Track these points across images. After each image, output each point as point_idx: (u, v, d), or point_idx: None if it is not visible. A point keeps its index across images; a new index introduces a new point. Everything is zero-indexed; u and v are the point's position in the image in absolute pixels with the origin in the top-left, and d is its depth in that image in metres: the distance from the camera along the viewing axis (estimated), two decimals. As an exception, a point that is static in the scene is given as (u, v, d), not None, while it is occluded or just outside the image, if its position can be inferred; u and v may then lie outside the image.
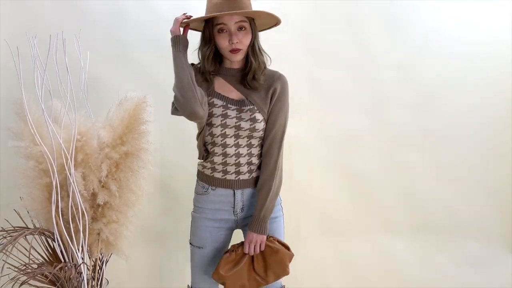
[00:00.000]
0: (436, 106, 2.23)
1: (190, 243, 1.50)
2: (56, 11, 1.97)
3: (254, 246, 1.40)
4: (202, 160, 1.48)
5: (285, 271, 1.45)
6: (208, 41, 1.37)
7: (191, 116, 1.33)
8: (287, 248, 1.46)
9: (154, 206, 2.11)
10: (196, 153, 2.03)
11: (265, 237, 1.42)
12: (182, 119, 1.96)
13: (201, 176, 1.50)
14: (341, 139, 2.20)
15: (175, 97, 1.34)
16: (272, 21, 1.40)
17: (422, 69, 2.20)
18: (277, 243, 1.44)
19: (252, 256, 1.43)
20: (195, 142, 2.07)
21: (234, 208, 1.45)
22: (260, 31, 1.43)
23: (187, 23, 1.37)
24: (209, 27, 1.36)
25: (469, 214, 2.26)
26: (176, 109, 1.36)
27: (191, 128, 2.05)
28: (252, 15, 1.35)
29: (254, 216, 1.42)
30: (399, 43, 2.19)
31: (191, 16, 1.36)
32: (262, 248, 1.41)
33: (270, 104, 1.41)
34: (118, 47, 2.04)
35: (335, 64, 2.17)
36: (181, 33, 1.35)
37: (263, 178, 1.43)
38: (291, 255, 1.46)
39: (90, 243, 1.57)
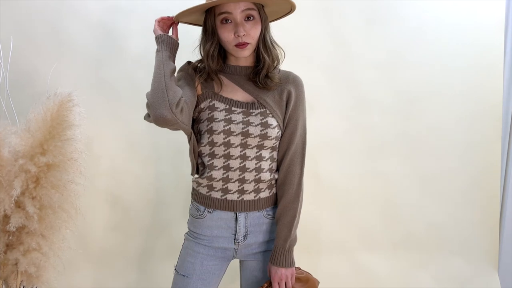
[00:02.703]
0: (419, 110, 2.04)
1: (175, 269, 1.30)
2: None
3: (285, 283, 1.23)
4: (197, 176, 1.28)
5: None
6: (210, 34, 1.19)
7: (157, 120, 1.13)
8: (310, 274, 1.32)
9: (100, 221, 1.86)
10: (150, 159, 1.90)
11: (294, 269, 1.25)
12: (133, 122, 1.81)
13: (195, 195, 1.29)
14: (314, 146, 1.98)
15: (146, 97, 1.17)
16: (285, 8, 1.23)
17: (404, 70, 2.01)
18: (302, 270, 1.29)
19: None
20: (150, 148, 1.91)
21: (235, 235, 1.24)
22: (271, 21, 1.25)
23: (174, 21, 1.23)
24: (211, 18, 1.17)
25: (453, 229, 2.09)
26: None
27: (143, 131, 1.88)
28: (261, 1, 1.17)
29: (278, 248, 1.23)
30: (380, 42, 1.99)
31: (172, 17, 1.22)
32: (293, 282, 1.25)
33: (286, 110, 1.24)
34: (57, 36, 1.73)
35: (310, 64, 1.96)
36: (169, 33, 1.23)
37: (286, 201, 1.24)
38: (318, 282, 1.32)
39: (6, 276, 1.25)
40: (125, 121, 1.86)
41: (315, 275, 1.79)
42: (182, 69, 1.28)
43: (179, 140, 1.74)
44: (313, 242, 2.03)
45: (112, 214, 1.89)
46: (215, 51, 1.20)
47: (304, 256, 1.93)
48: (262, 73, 1.22)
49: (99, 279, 1.88)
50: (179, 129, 1.19)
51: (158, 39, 1.19)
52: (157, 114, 1.11)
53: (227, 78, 1.24)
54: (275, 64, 1.24)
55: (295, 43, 1.90)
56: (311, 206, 1.96)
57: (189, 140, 1.25)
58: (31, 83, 1.64)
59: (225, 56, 1.26)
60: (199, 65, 1.26)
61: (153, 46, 1.80)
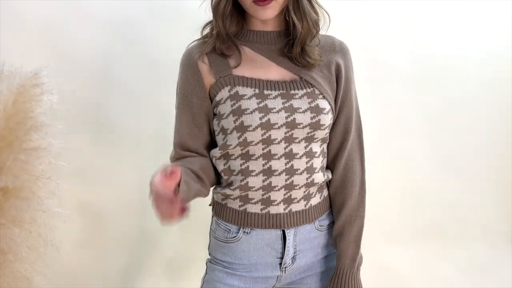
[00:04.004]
0: (442, 79, 1.85)
1: None
2: None
3: None
4: (221, 187, 1.02)
5: None
6: None
7: None
8: None
9: (66, 234, 1.52)
10: (129, 151, 1.57)
11: None
12: (103, 104, 1.49)
13: (222, 211, 1.02)
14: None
15: None
16: None
17: (424, 32, 1.82)
18: None
19: None
20: (127, 137, 1.55)
21: (282, 258, 0.98)
22: None
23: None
24: None
25: (478, 213, 1.99)
26: None
27: (117, 115, 1.52)
28: None
29: (345, 271, 1.00)
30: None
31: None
32: None
33: (337, 88, 0.99)
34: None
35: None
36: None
37: (350, 209, 1.01)
38: None
39: None
40: (92, 103, 1.49)
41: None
42: (180, 76, 1.01)
43: (164, 123, 1.49)
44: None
45: (82, 225, 1.55)
46: (228, 8, 0.92)
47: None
48: (296, 48, 0.95)
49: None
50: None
51: None
52: None
53: (252, 50, 0.97)
54: (313, 33, 0.96)
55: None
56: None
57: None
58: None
59: (245, 19, 1.00)
60: (213, 32, 0.97)
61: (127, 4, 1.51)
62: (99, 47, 1.47)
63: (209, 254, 1.05)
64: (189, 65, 0.96)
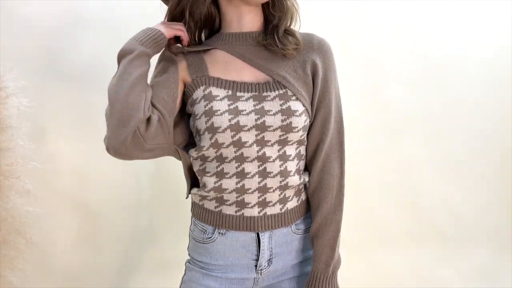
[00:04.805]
0: (443, 79, 1.80)
1: None
2: None
3: None
4: (198, 189, 1.02)
5: None
6: None
7: (114, 151, 0.89)
8: None
9: (64, 233, 1.54)
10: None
11: None
12: (96, 103, 1.48)
13: (199, 212, 1.02)
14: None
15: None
16: None
17: (425, 32, 1.77)
18: None
19: None
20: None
21: (257, 260, 0.97)
22: None
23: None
24: None
25: (479, 217, 1.93)
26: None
27: None
28: None
29: (318, 275, 0.98)
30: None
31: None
32: None
33: (314, 88, 0.97)
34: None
35: (313, 26, 1.73)
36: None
37: (325, 212, 0.99)
38: None
39: None
40: (88, 102, 1.51)
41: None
42: (160, 55, 1.01)
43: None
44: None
45: (79, 224, 1.57)
46: (202, 8, 0.96)
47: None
48: (280, 29, 0.95)
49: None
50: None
51: (154, 35, 0.93)
52: (109, 146, 0.87)
53: (227, 51, 0.97)
54: (295, 15, 0.98)
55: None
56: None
57: (179, 157, 1.01)
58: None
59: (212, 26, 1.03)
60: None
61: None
62: (93, 47, 1.49)
63: (188, 254, 1.05)
64: (169, 58, 0.97)
